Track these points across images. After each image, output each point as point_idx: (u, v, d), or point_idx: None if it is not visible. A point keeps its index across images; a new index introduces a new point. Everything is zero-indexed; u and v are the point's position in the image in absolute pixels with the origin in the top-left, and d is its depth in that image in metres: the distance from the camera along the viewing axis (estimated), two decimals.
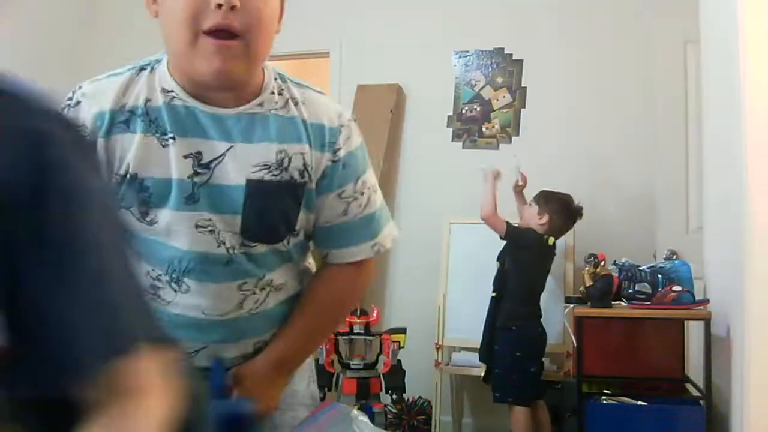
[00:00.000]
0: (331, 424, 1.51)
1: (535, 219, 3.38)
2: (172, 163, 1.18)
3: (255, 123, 1.22)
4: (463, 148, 4.32)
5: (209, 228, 1.20)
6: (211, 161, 1.19)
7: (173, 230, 1.20)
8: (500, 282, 3.39)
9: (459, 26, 4.39)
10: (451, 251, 3.99)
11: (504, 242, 3.43)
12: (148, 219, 1.20)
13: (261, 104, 1.24)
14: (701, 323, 2.84)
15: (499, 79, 4.30)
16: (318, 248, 1.35)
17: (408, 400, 3.80)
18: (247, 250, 1.23)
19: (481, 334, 3.42)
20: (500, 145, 4.26)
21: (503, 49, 4.30)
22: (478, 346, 3.45)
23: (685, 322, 3.09)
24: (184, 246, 1.21)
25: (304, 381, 1.46)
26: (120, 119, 1.19)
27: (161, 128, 1.19)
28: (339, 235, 1.32)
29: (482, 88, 4.33)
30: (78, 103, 1.21)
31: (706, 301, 2.90)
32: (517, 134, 4.24)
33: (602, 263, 3.01)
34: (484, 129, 4.30)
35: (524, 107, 4.24)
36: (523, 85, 4.25)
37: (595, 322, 3.06)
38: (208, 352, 1.27)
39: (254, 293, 1.26)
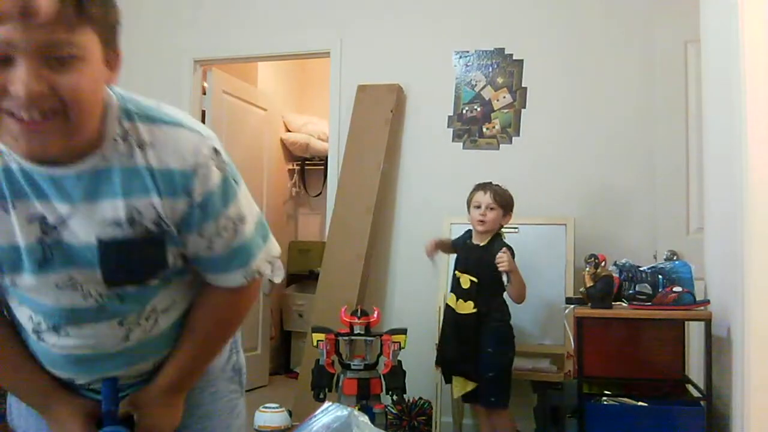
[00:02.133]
0: (331, 425, 1.51)
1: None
2: (17, 229, 1.12)
3: (97, 180, 1.12)
4: (463, 148, 4.32)
5: (70, 285, 1.17)
6: (56, 224, 1.13)
7: (35, 290, 1.18)
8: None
9: (459, 26, 4.40)
10: None
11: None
12: (8, 281, 1.18)
13: (103, 157, 1.12)
14: (702, 324, 2.84)
15: (500, 80, 4.30)
16: (204, 273, 1.31)
17: (408, 400, 3.80)
18: (118, 293, 1.20)
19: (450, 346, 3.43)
20: (501, 145, 4.26)
21: (504, 49, 4.30)
22: None
23: (686, 322, 3.09)
24: (51, 302, 1.18)
25: (224, 354, 1.45)
26: None
27: (4, 194, 1.11)
28: (209, 264, 1.27)
29: (483, 88, 4.33)
30: None
31: (706, 302, 2.90)
32: (518, 134, 4.24)
33: (603, 264, 3.00)
34: (484, 129, 4.30)
35: (525, 107, 4.24)
36: (523, 85, 4.25)
37: (595, 323, 3.05)
38: (102, 382, 1.28)
39: (139, 324, 1.24)
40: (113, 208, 1.13)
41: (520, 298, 3.33)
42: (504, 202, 3.38)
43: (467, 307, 3.34)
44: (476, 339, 3.30)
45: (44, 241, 1.13)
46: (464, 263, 3.43)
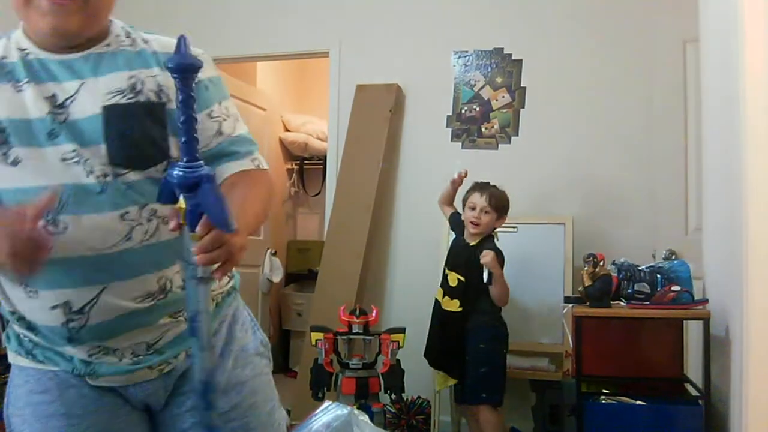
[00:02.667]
0: (331, 424, 1.51)
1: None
2: (29, 105, 1.21)
3: (102, 59, 1.26)
4: (462, 147, 4.33)
5: (75, 159, 1.20)
6: (66, 100, 1.22)
7: (40, 167, 1.20)
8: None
9: (458, 26, 4.40)
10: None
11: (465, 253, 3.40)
12: (10, 160, 1.20)
13: (108, 45, 1.28)
14: (700, 323, 2.84)
15: (499, 79, 4.30)
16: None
17: (407, 399, 3.80)
18: (121, 178, 1.22)
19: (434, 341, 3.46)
20: (499, 145, 4.26)
21: (503, 49, 4.30)
22: None
23: (684, 321, 3.09)
24: (53, 181, 1.19)
25: (248, 333, 1.48)
26: None
27: (15, 78, 1.22)
28: (218, 156, 1.32)
29: (481, 88, 4.33)
30: None
31: (705, 301, 2.90)
32: (517, 134, 4.24)
33: (601, 263, 3.01)
34: (483, 129, 4.31)
35: (523, 107, 4.25)
36: (522, 85, 4.25)
37: (594, 322, 3.05)
38: (109, 295, 1.23)
39: (141, 224, 1.24)
40: (116, 79, 1.24)
41: (501, 301, 3.31)
42: (499, 206, 3.36)
43: (453, 305, 3.37)
44: (461, 337, 3.31)
45: (54, 115, 1.21)
46: (453, 261, 3.44)
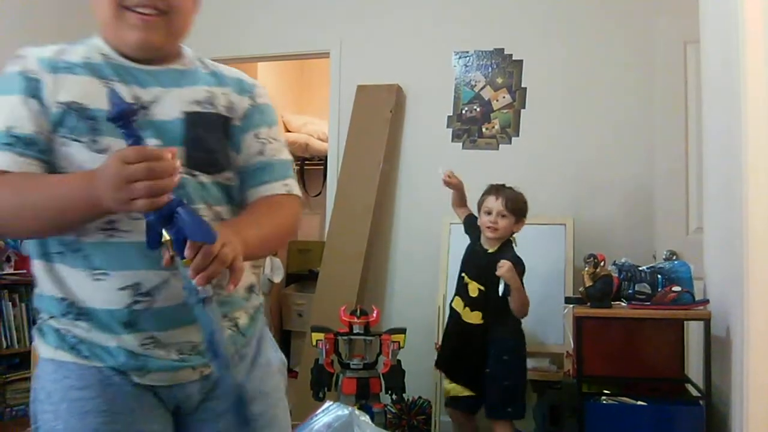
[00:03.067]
0: (332, 424, 1.51)
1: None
2: None
3: (182, 73, 1.40)
4: (463, 148, 4.33)
5: None
6: (150, 100, 1.32)
7: None
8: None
9: (459, 27, 4.40)
10: (450, 251, 3.99)
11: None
12: (97, 147, 1.26)
13: (183, 63, 1.43)
14: (701, 323, 2.84)
15: (499, 80, 4.30)
16: (246, 191, 1.45)
17: (408, 400, 3.80)
18: (197, 180, 1.33)
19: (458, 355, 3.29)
20: (500, 145, 4.26)
21: (503, 49, 4.30)
22: None
23: (685, 322, 3.09)
24: None
25: (271, 349, 1.54)
26: (62, 65, 1.30)
27: (102, 75, 1.31)
28: (255, 173, 1.44)
29: (482, 88, 4.33)
30: (21, 56, 1.31)
31: (705, 302, 2.90)
32: (517, 135, 4.24)
33: (602, 263, 3.00)
34: (484, 129, 4.31)
35: (524, 108, 4.25)
36: (523, 85, 4.26)
37: (594, 323, 3.05)
38: (172, 282, 1.27)
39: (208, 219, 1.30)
40: (195, 91, 1.38)
41: (520, 313, 3.17)
42: (516, 209, 3.20)
43: (475, 317, 3.21)
44: (483, 350, 3.16)
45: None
46: (472, 269, 3.27)
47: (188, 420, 1.42)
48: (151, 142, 1.26)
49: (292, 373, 5.75)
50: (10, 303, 4.08)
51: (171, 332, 1.32)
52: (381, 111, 4.39)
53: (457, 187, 3.45)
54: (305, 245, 6.38)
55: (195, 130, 1.33)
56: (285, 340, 6.16)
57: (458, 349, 3.27)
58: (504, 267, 3.05)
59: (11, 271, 4.17)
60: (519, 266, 3.12)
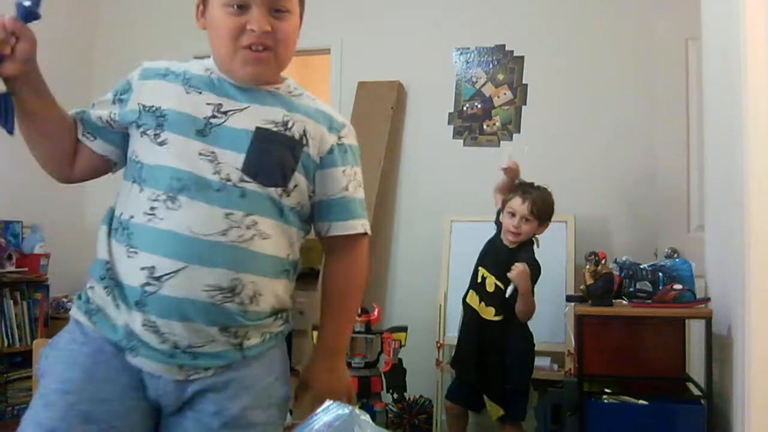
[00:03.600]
0: (332, 424, 1.51)
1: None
2: (195, 105, 1.46)
3: (270, 95, 1.51)
4: (464, 145, 4.32)
5: (209, 158, 1.42)
6: (229, 111, 1.46)
7: (179, 153, 1.42)
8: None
9: (460, 23, 4.39)
10: (452, 249, 3.99)
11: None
12: (159, 140, 1.43)
13: (278, 88, 1.54)
14: (702, 322, 2.84)
15: (500, 76, 4.30)
16: (320, 222, 1.58)
17: (409, 398, 3.80)
18: (242, 185, 1.42)
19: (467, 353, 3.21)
20: (501, 142, 4.26)
21: (504, 45, 4.29)
22: None
23: (686, 320, 3.08)
24: (185, 167, 1.41)
25: (278, 382, 1.55)
26: (159, 73, 1.51)
27: (193, 85, 1.49)
28: (340, 207, 1.56)
29: (483, 85, 4.33)
30: (137, 67, 1.55)
31: (707, 300, 2.89)
32: (518, 131, 4.23)
33: (603, 261, 3.00)
34: (485, 126, 4.30)
35: (525, 104, 4.24)
36: (524, 81, 4.25)
37: (596, 321, 3.05)
38: (186, 275, 1.37)
39: (239, 227, 1.40)
40: (275, 113, 1.48)
41: (523, 317, 3.07)
42: (541, 214, 3.07)
43: (488, 313, 3.12)
44: (499, 348, 3.10)
45: (210, 119, 1.44)
46: (491, 263, 3.15)
47: (169, 420, 1.47)
48: (208, 147, 1.42)
49: (293, 371, 5.75)
50: (12, 301, 4.08)
51: (171, 323, 1.39)
52: (382, 108, 4.38)
53: (512, 177, 3.23)
54: (307, 243, 6.31)
55: (261, 143, 1.44)
56: (287, 338, 6.15)
57: (475, 347, 3.15)
58: (516, 270, 2.98)
59: (13, 269, 4.16)
60: (534, 269, 3.03)
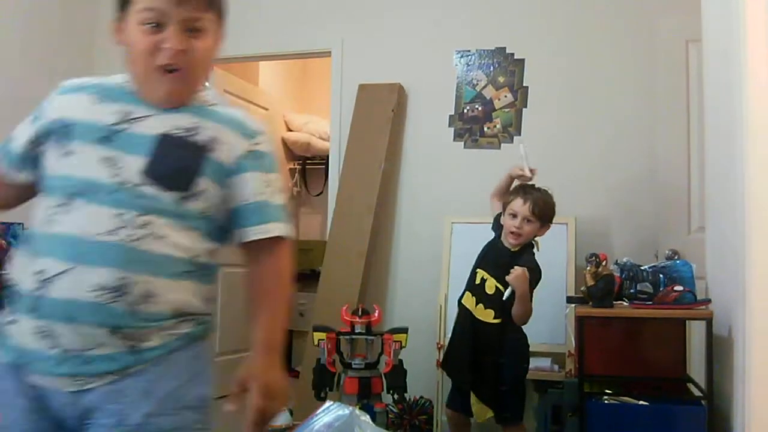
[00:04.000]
0: (333, 424, 1.51)
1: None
2: (99, 113, 1.48)
3: (181, 108, 1.53)
4: (464, 147, 4.33)
5: (109, 163, 1.44)
6: (136, 118, 1.48)
7: (81, 160, 1.45)
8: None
9: (460, 25, 4.40)
10: (452, 251, 3.99)
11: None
12: (65, 150, 1.47)
13: (191, 102, 1.55)
14: (703, 323, 2.83)
15: (501, 79, 4.30)
16: (237, 228, 1.56)
17: (410, 399, 3.80)
18: (140, 189, 1.43)
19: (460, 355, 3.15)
20: (502, 144, 4.26)
21: (505, 48, 4.30)
22: None
23: (687, 321, 3.08)
24: (82, 173, 1.44)
25: (189, 383, 1.49)
26: (74, 87, 1.54)
27: (106, 96, 1.51)
28: (254, 212, 1.54)
29: (484, 87, 4.33)
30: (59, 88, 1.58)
31: (707, 301, 2.89)
32: (519, 133, 4.24)
33: (604, 263, 3.00)
34: (485, 128, 4.30)
35: (526, 107, 4.24)
36: (524, 84, 4.25)
37: (596, 322, 3.05)
38: (72, 275, 1.37)
39: (130, 227, 1.41)
40: (184, 119, 1.50)
41: (519, 321, 3.03)
42: (543, 215, 3.05)
43: (487, 315, 3.07)
44: (495, 351, 3.05)
45: (115, 126, 1.47)
46: (491, 265, 3.12)
47: None
48: (110, 153, 1.44)
49: (293, 372, 5.76)
50: None
51: (58, 325, 1.38)
52: (382, 110, 4.38)
53: (525, 178, 3.21)
54: (307, 245, 6.38)
55: (164, 148, 1.46)
56: (287, 339, 6.16)
57: (470, 349, 3.09)
58: (514, 274, 2.95)
59: None
60: (535, 273, 3.00)
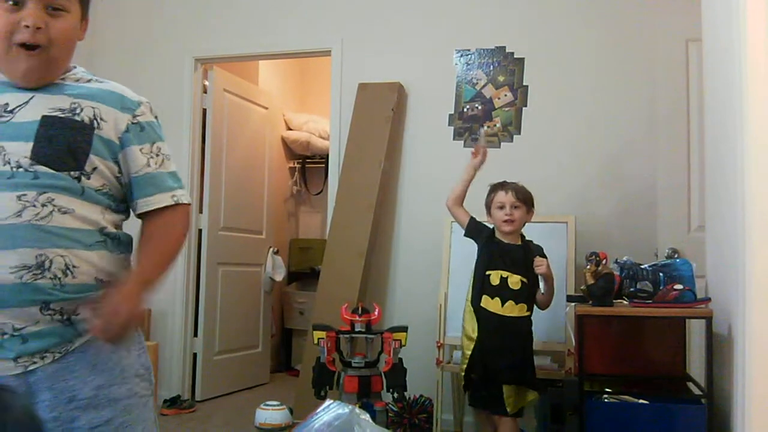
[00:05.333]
0: (332, 423, 1.51)
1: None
2: None
3: (56, 86, 1.56)
4: (464, 146, 4.33)
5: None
6: (16, 107, 1.51)
7: None
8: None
9: (460, 24, 4.40)
10: (452, 249, 4.00)
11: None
12: None
13: (63, 79, 1.58)
14: (703, 321, 2.84)
15: (501, 78, 4.30)
16: (131, 201, 1.61)
17: (409, 398, 3.80)
18: (33, 170, 1.46)
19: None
20: (502, 143, 4.26)
21: (505, 47, 4.30)
22: None
23: (687, 320, 3.09)
24: None
25: (131, 353, 1.58)
26: None
27: None
28: (144, 184, 1.59)
29: (484, 86, 4.33)
30: None
31: (707, 300, 2.90)
32: (519, 133, 4.24)
33: (604, 262, 3.00)
34: (485, 127, 4.30)
35: (526, 105, 4.25)
36: (524, 83, 4.25)
37: (596, 321, 3.05)
38: None
39: (34, 206, 1.44)
40: (62, 100, 1.53)
41: (547, 305, 3.23)
42: (526, 198, 3.23)
43: (519, 310, 3.12)
44: (530, 340, 3.19)
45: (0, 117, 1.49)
46: (507, 263, 3.16)
47: None
48: (9, 141, 1.46)
49: (293, 371, 5.77)
50: None
51: None
52: (382, 109, 4.38)
53: (474, 169, 3.32)
54: (307, 243, 6.39)
55: (48, 130, 1.49)
56: (286, 338, 6.16)
57: (506, 349, 3.11)
58: (544, 264, 3.14)
59: None
60: (546, 258, 3.21)
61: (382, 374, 3.38)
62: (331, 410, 1.59)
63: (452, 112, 4.37)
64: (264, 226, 5.56)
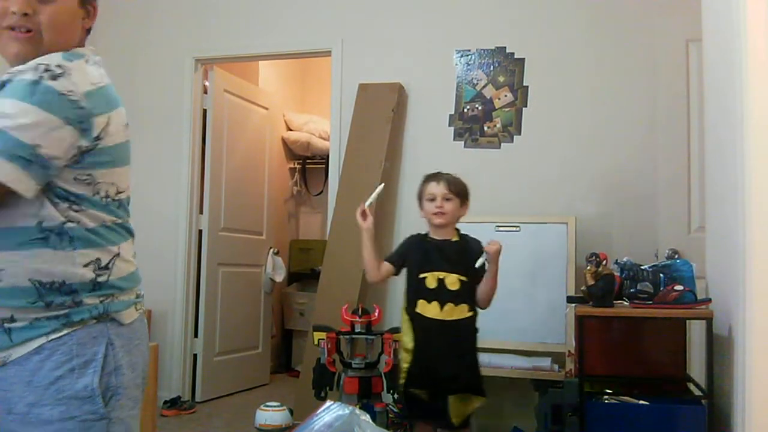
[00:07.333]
0: (333, 424, 1.51)
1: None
2: None
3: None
4: (464, 147, 4.33)
5: None
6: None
7: None
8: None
9: (460, 25, 4.40)
10: None
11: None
12: None
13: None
14: (703, 322, 2.84)
15: (501, 78, 4.30)
16: None
17: None
18: None
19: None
20: (502, 144, 4.26)
21: (505, 47, 4.30)
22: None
23: (687, 321, 3.09)
24: None
25: (73, 373, 1.42)
26: None
27: None
28: None
29: (484, 86, 4.33)
30: None
31: (708, 301, 2.89)
32: (519, 133, 4.24)
33: (604, 262, 3.00)
34: (485, 128, 4.30)
35: (526, 106, 4.24)
36: (524, 83, 4.25)
37: (596, 322, 3.05)
38: None
39: None
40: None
41: (486, 301, 2.93)
42: (459, 191, 2.97)
43: (460, 312, 2.88)
44: (474, 342, 2.94)
45: None
46: (441, 264, 2.92)
47: None
48: None
49: (293, 372, 5.76)
50: None
51: None
52: (383, 109, 4.38)
53: (368, 231, 3.00)
54: (307, 244, 6.39)
55: None
56: (287, 339, 6.16)
57: (451, 355, 2.88)
58: (496, 245, 2.83)
59: None
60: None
61: (383, 375, 3.38)
62: (331, 411, 1.59)
63: (452, 113, 4.37)
64: (264, 227, 5.56)
